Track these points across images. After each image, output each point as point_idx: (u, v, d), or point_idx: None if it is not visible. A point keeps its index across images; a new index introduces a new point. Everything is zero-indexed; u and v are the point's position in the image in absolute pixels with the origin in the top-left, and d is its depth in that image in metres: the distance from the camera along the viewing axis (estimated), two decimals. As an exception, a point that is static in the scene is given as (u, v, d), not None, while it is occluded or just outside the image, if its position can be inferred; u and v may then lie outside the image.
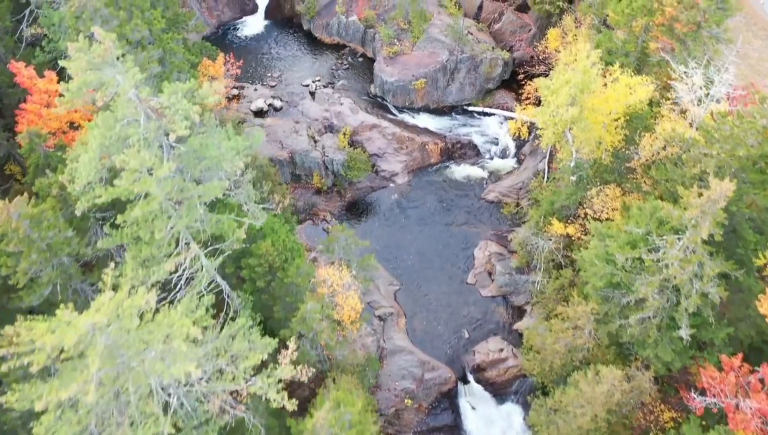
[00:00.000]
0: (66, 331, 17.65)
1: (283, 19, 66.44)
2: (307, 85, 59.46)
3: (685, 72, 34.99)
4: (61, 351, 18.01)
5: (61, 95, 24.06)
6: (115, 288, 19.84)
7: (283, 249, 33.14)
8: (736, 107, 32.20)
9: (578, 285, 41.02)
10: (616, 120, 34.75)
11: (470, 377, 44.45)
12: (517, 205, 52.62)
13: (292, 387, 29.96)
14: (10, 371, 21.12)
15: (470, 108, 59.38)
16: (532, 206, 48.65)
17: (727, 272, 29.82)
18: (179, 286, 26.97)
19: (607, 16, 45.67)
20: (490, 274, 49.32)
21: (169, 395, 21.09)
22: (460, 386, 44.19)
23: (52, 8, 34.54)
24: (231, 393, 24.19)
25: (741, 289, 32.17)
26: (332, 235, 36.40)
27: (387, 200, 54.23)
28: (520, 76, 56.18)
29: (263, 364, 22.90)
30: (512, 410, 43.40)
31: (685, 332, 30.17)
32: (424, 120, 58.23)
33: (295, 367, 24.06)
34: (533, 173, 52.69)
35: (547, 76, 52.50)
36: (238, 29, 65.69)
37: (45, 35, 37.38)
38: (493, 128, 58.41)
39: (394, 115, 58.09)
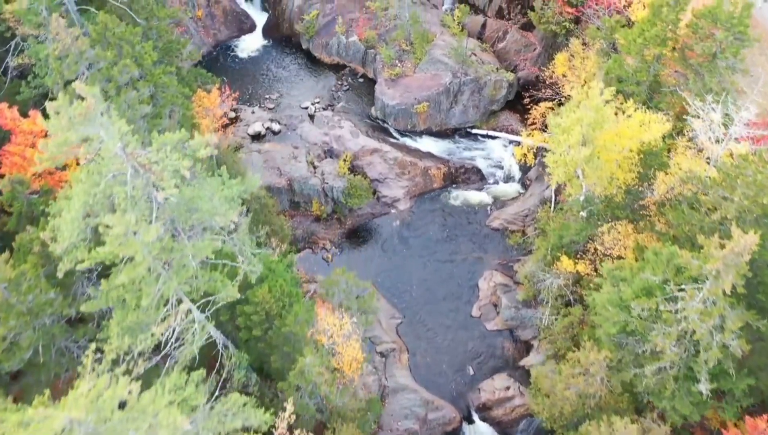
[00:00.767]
0: (40, 428, 16.05)
1: (281, 38, 64.79)
2: (306, 108, 57.83)
3: (701, 108, 33.42)
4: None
5: (46, 135, 22.57)
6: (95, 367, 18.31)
7: (281, 295, 31.53)
8: (759, 146, 30.60)
9: (588, 323, 39.49)
10: (630, 158, 33.17)
11: (475, 416, 42.90)
12: (523, 233, 51.03)
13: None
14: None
15: (474, 130, 57.78)
16: (539, 236, 47.04)
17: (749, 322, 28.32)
18: (169, 343, 25.40)
19: (616, 39, 44.17)
20: (495, 305, 47.73)
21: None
22: (465, 426, 42.63)
23: (38, 41, 32.94)
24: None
25: (762, 338, 30.58)
26: (332, 279, 34.77)
27: (388, 227, 52.62)
28: (526, 100, 54.53)
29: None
30: (519, 452, 41.89)
31: (704, 387, 28.61)
32: (427, 143, 56.63)
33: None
34: (539, 200, 51.10)
35: (553, 100, 51.31)
36: (235, 48, 64.03)
37: (33, 66, 35.79)
38: (498, 151, 56.83)
39: (395, 138, 56.50)
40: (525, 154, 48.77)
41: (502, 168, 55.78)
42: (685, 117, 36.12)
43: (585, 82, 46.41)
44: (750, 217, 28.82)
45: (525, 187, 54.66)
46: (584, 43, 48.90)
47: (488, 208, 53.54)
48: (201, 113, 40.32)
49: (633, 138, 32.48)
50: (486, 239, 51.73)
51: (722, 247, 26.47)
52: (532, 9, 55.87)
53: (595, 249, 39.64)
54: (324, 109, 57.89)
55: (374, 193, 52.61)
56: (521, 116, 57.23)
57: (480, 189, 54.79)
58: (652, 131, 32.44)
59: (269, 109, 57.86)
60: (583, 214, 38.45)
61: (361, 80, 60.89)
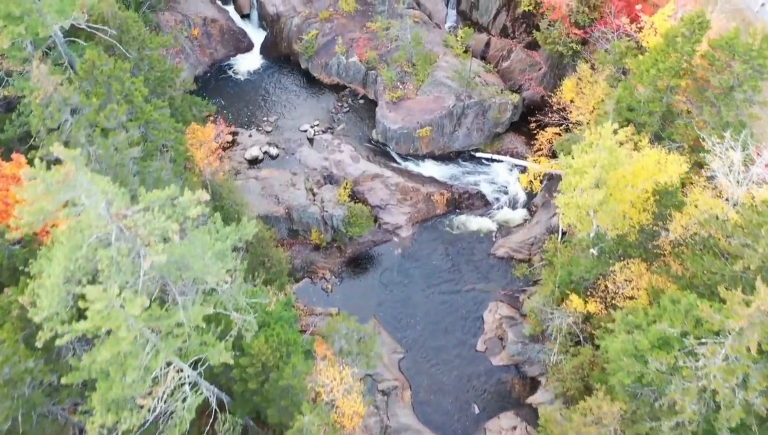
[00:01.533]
0: None
1: (279, 58, 63.10)
2: (305, 131, 56.19)
3: (719, 144, 31.84)
4: None
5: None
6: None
7: (278, 344, 29.91)
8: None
9: (598, 365, 37.88)
10: (644, 199, 31.60)
11: (481, 458, 41.29)
12: (529, 262, 49.41)
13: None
14: None
15: (478, 154, 56.20)
16: (546, 267, 45.39)
17: (773, 379, 26.70)
18: (158, 411, 23.76)
19: (626, 64, 42.63)
20: (501, 339, 46.12)
21: None
22: (471, 468, 41.04)
23: (24, 78, 31.35)
24: None
25: (786, 392, 29.02)
26: (332, 325, 33.16)
27: (390, 256, 50.99)
28: (532, 125, 52.89)
29: None
30: (527, 497, 40.24)
31: (725, 444, 27.07)
32: (429, 168, 55.00)
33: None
34: (546, 228, 49.51)
35: (561, 126, 49.75)
36: (232, 68, 62.33)
37: (20, 99, 34.21)
38: (503, 175, 55.26)
39: (397, 163, 54.89)
40: (531, 181, 47.32)
41: (507, 193, 54.21)
42: (700, 151, 34.56)
43: (593, 109, 44.88)
44: (774, 266, 27.26)
45: (531, 213, 53.07)
46: (592, 66, 47.32)
47: (493, 235, 51.93)
48: (195, 144, 38.69)
49: (648, 178, 30.90)
50: (491, 268, 50.12)
51: (747, 304, 24.92)
52: (538, 28, 54.26)
53: (606, 286, 38.02)
54: (323, 132, 56.27)
55: (375, 220, 51.02)
56: (526, 138, 55.70)
57: (484, 214, 53.19)
58: (669, 171, 30.84)
59: (267, 132, 56.23)
60: (594, 251, 36.86)
61: (361, 101, 59.26)
